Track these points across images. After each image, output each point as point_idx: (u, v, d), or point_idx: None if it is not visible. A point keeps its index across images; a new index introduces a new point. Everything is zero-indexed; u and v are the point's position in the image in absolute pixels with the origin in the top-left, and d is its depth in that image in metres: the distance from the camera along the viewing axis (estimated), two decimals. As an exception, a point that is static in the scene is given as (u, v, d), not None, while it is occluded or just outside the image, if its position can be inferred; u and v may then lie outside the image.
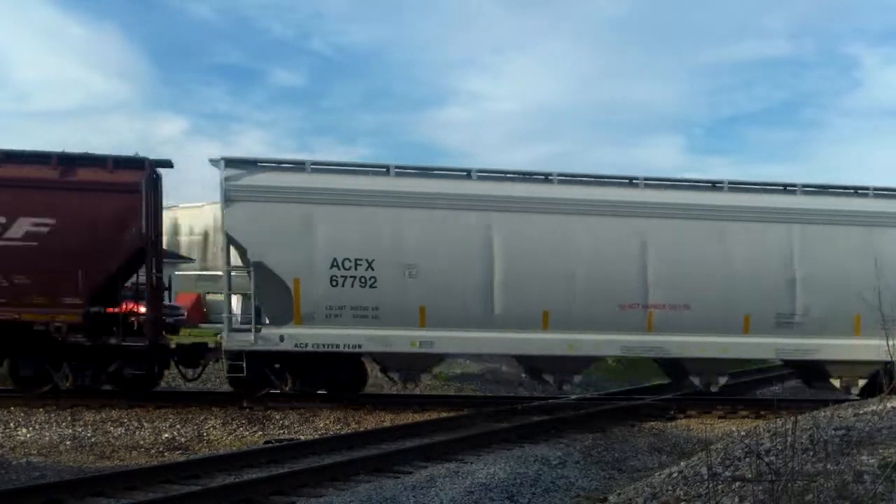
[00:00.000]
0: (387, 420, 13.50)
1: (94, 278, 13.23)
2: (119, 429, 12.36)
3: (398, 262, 13.47)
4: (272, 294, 13.41)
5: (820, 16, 76.51)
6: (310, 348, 13.38)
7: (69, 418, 12.65)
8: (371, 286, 13.39)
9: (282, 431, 12.68)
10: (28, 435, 11.90)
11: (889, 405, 9.55)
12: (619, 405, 14.83)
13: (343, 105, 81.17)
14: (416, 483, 8.98)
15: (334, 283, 13.32)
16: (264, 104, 77.49)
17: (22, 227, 12.87)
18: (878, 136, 76.52)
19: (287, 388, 13.90)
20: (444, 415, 13.70)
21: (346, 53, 79.71)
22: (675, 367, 15.39)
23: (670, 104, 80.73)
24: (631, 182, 14.47)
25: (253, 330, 13.35)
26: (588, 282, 13.83)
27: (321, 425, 13.01)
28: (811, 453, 7.04)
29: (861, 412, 9.45)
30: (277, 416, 13.35)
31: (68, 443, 11.61)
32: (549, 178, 14.30)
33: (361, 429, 12.79)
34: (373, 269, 13.39)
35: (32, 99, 66.50)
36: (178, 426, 12.61)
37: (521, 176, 14.45)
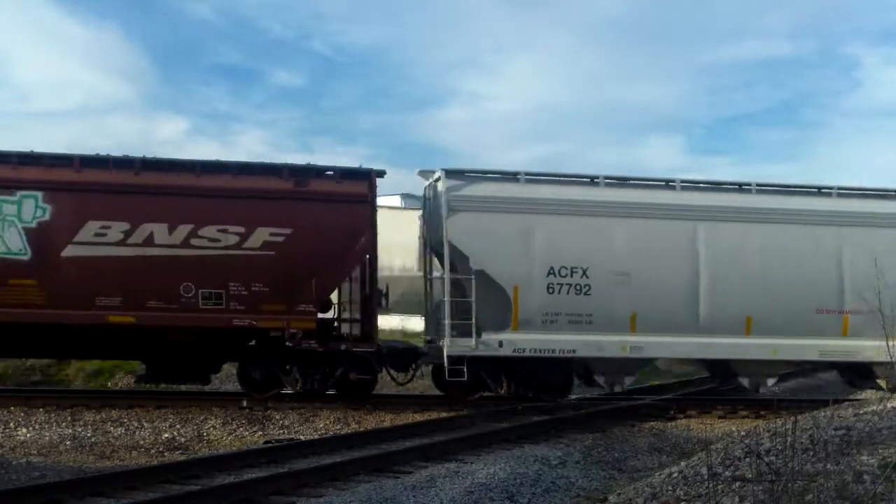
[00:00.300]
0: (387, 420, 13.51)
1: (326, 286, 13.65)
2: (119, 429, 12.36)
3: (611, 270, 13.95)
4: (490, 301, 13.74)
5: (820, 16, 76.55)
6: (527, 353, 13.85)
7: (69, 418, 12.65)
8: (585, 293, 13.86)
9: (282, 431, 12.68)
10: (28, 435, 11.90)
11: (889, 405, 9.55)
12: (619, 405, 14.84)
13: (343, 105, 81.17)
14: (416, 483, 8.98)
15: (551, 290, 13.78)
16: (264, 104, 77.50)
17: (260, 237, 13.17)
18: (879, 136, 76.54)
19: (502, 392, 14.39)
20: (444, 415, 13.70)
21: (346, 53, 79.72)
22: (862, 371, 15.62)
23: (670, 104, 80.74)
24: (820, 191, 15.10)
25: (474, 336, 13.67)
26: (787, 288, 14.26)
27: (321, 425, 13.01)
28: (811, 453, 7.03)
29: (861, 412, 9.46)
30: (277, 416, 13.35)
31: (68, 443, 11.61)
32: (748, 188, 14.88)
33: (361, 429, 12.79)
34: (587, 277, 13.86)
35: (33, 99, 66.51)
36: (178, 426, 12.61)
37: (720, 186, 15.03)
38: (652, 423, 13.82)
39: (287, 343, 13.34)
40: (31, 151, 13.08)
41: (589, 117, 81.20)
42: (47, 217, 12.77)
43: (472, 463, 10.18)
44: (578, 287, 13.81)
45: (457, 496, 8.50)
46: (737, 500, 6.06)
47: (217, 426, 12.76)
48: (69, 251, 12.80)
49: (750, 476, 6.43)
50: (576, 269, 13.82)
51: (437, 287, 15.07)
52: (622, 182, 14.67)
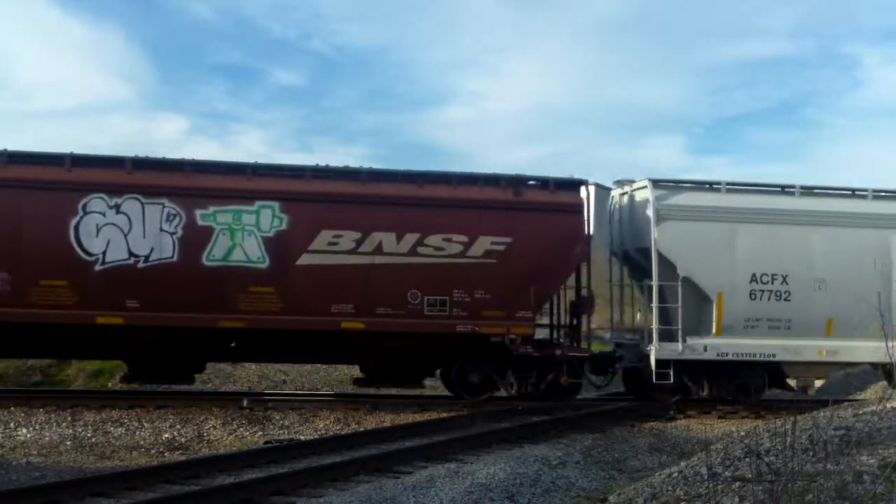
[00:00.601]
0: (387, 420, 13.51)
1: (543, 293, 14.23)
2: (119, 429, 12.36)
3: (808, 276, 14.57)
4: (694, 307, 14.42)
5: (821, 15, 76.35)
6: (730, 357, 14.46)
7: (69, 418, 12.65)
8: (785, 299, 14.50)
9: (282, 431, 12.68)
10: (28, 435, 11.90)
11: (889, 405, 9.55)
12: (619, 405, 14.88)
13: (343, 105, 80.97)
14: (416, 483, 8.98)
15: (753, 296, 14.44)
16: (264, 104, 77.31)
17: (482, 245, 13.68)
18: (879, 136, 76.34)
19: (704, 394, 14.88)
20: (444, 415, 13.71)
21: (346, 53, 79.55)
22: None
23: (671, 104, 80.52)
24: None
25: (680, 340, 14.26)
26: None
27: (321, 425, 13.01)
28: (811, 453, 7.03)
29: (860, 412, 9.47)
30: (277, 417, 13.35)
31: (68, 443, 11.62)
32: None
33: (361, 429, 12.79)
34: (787, 284, 14.50)
35: (33, 99, 66.43)
36: (178, 426, 12.61)
37: None
38: (652, 423, 13.84)
39: (513, 349, 13.81)
40: (257, 162, 13.63)
41: (589, 117, 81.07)
42: (284, 226, 13.29)
43: (472, 463, 10.18)
44: (778, 293, 14.46)
45: (457, 496, 8.50)
46: (736, 500, 6.07)
47: (217, 426, 12.75)
48: (304, 259, 13.30)
49: (750, 476, 6.44)
50: (776, 275, 14.44)
51: (628, 293, 16.00)
52: (815, 191, 15.24)
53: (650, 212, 14.30)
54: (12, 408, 12.98)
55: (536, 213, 13.92)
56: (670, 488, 7.12)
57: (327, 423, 13.16)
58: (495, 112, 76.28)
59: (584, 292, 14.79)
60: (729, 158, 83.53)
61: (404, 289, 13.51)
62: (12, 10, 59.07)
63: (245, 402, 13.85)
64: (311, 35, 78.46)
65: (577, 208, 14.23)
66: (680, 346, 14.21)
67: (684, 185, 14.99)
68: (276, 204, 13.27)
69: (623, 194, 15.43)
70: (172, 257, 13.06)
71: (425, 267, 13.52)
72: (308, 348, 14.06)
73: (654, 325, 14.26)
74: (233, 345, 13.98)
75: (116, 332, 13.27)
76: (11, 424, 12.28)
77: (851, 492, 5.81)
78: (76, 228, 12.89)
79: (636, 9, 72.54)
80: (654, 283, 14.30)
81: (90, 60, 67.60)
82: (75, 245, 12.87)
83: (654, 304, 14.30)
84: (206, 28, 74.37)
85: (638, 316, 15.96)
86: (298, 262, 13.28)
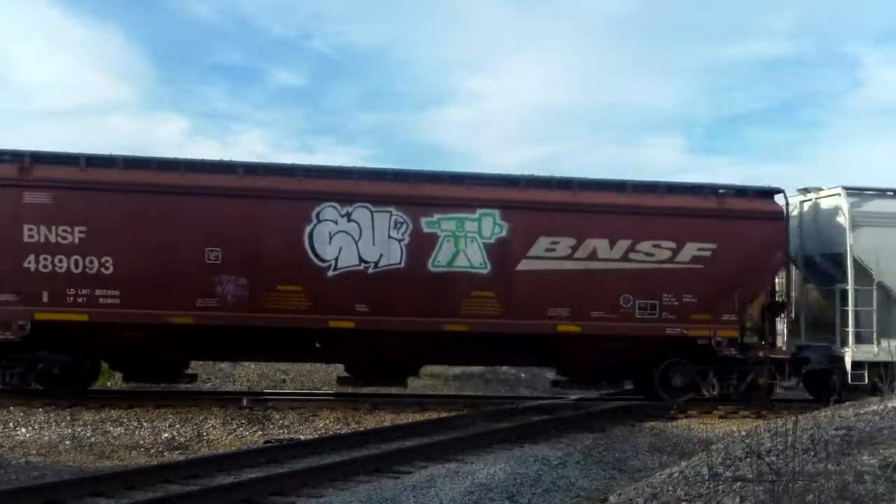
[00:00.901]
0: (387, 420, 13.50)
1: (746, 298, 14.72)
2: (118, 428, 12.34)
3: None
4: (883, 310, 14.96)
5: (821, 15, 76.17)
6: None
7: (69, 418, 12.63)
8: None
9: (282, 431, 12.67)
10: (27, 434, 11.88)
11: (890, 405, 9.54)
12: (619, 405, 14.86)
13: (343, 105, 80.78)
14: (416, 483, 8.97)
15: None
16: (265, 104, 77.11)
17: (689, 251, 14.28)
18: (879, 136, 76.12)
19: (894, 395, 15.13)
20: (444, 415, 13.70)
21: (346, 53, 79.36)
22: None
23: (671, 104, 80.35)
24: None
25: (875, 343, 14.83)
26: None
27: (321, 425, 13.00)
28: (812, 453, 7.02)
29: (862, 412, 9.46)
30: (277, 416, 13.34)
31: (68, 442, 11.60)
32: None
33: (361, 429, 12.77)
34: None
35: (33, 99, 66.32)
36: (177, 426, 12.60)
37: None
38: (652, 422, 13.83)
39: (719, 352, 14.30)
40: (474, 172, 14.31)
41: (589, 117, 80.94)
42: (504, 233, 13.87)
43: (472, 463, 10.17)
44: None
45: (457, 496, 8.49)
46: (737, 500, 6.05)
47: (217, 426, 12.74)
48: (523, 265, 13.88)
49: (751, 476, 6.42)
50: None
51: (814, 297, 16.41)
52: None
53: (842, 219, 14.88)
54: (11, 407, 12.96)
55: (739, 221, 14.44)
56: (671, 488, 7.10)
57: (327, 422, 13.15)
58: (495, 112, 76.22)
59: (778, 297, 15.25)
60: (729, 158, 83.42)
61: (617, 293, 14.08)
62: (12, 10, 59.06)
63: (245, 402, 13.84)
64: (311, 35, 78.37)
65: (777, 216, 14.76)
66: (875, 348, 14.72)
67: (869, 192, 15.48)
68: (496, 212, 13.83)
69: (805, 201, 15.94)
70: (400, 263, 13.62)
71: (636, 272, 14.10)
72: (523, 351, 14.60)
73: (851, 329, 14.78)
74: (448, 348, 14.37)
75: (345, 335, 13.74)
76: (11, 424, 12.27)
77: (852, 492, 5.79)
78: (310, 236, 13.45)
79: (636, 9, 72.48)
80: (850, 287, 14.76)
81: (90, 60, 67.55)
82: (309, 252, 13.44)
83: (850, 308, 14.77)
84: (206, 28, 74.34)
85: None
86: (518, 268, 13.84)
